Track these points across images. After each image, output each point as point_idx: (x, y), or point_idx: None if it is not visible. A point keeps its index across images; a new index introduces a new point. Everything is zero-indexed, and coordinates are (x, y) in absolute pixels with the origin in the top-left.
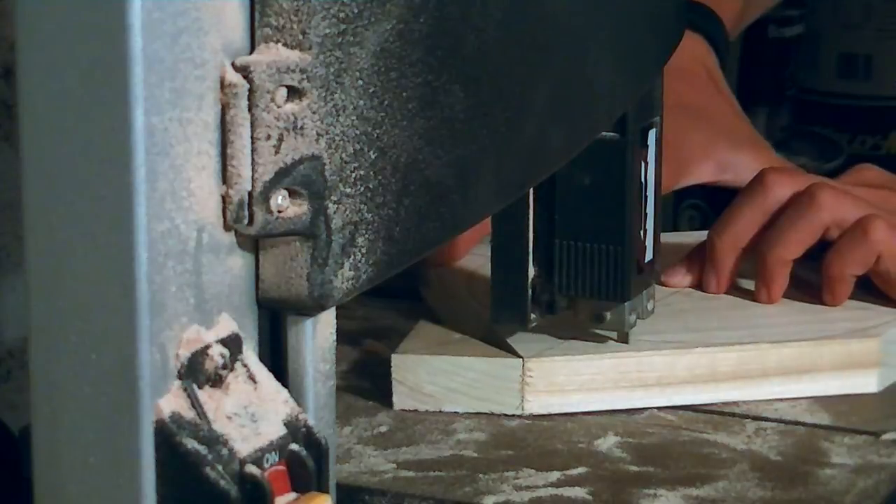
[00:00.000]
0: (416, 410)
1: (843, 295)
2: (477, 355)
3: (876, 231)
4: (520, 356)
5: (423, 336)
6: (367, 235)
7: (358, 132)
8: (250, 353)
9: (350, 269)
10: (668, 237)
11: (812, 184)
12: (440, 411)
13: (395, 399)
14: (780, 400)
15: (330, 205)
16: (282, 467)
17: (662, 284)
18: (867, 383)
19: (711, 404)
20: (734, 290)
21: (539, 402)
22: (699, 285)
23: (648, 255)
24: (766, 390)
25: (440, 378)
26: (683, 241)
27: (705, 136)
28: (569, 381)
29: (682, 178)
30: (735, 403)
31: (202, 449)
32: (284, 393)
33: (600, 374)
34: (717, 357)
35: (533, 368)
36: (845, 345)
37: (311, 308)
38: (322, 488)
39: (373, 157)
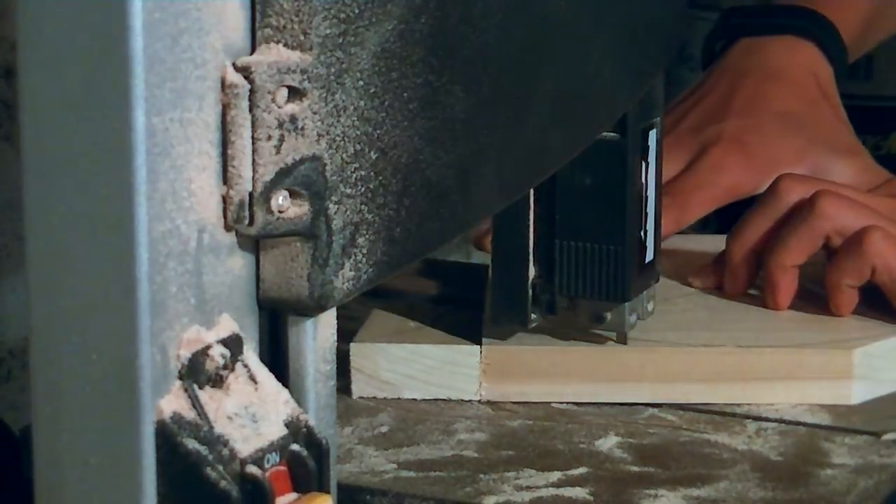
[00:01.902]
0: (413, 409)
1: (845, 305)
2: (434, 343)
3: (871, 243)
4: (478, 343)
5: (379, 324)
6: (367, 236)
7: (359, 132)
8: (251, 354)
9: (350, 270)
10: (675, 240)
11: (818, 191)
12: (432, 401)
13: (353, 387)
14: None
15: (330, 205)
16: (282, 468)
17: (689, 285)
18: (843, 395)
19: (711, 404)
20: (750, 294)
21: (496, 390)
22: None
23: (648, 256)
24: (740, 394)
25: (398, 365)
26: (685, 244)
27: (801, 142)
28: (526, 370)
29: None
30: (738, 405)
31: (203, 449)
32: (285, 393)
33: (557, 365)
34: (686, 357)
35: (490, 356)
36: (817, 355)
37: (311, 308)
38: (323, 488)
39: (374, 157)
